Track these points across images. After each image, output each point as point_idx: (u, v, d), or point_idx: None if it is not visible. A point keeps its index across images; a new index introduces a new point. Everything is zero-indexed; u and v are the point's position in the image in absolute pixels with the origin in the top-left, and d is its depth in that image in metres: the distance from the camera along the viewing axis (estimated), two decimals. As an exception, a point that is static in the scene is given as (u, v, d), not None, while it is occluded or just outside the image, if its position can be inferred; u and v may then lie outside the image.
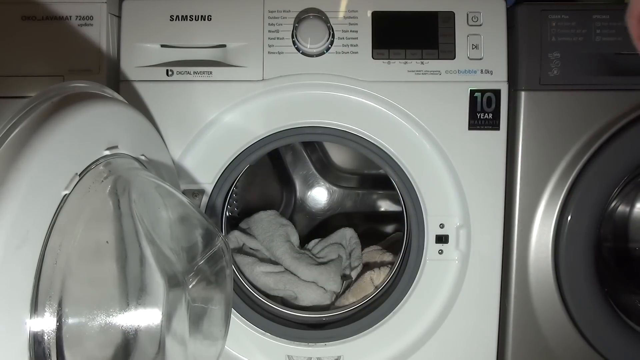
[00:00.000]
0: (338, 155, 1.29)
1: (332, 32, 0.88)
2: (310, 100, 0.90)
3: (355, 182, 1.29)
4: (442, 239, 0.92)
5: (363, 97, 0.89)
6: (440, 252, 0.92)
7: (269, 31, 0.89)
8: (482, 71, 0.89)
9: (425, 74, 0.89)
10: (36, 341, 0.50)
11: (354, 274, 1.05)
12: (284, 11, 0.89)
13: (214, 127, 0.90)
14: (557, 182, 0.89)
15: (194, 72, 0.89)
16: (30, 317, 0.50)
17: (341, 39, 0.89)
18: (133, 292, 0.62)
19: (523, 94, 0.88)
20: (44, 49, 0.88)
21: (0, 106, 0.85)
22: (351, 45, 0.89)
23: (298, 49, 0.88)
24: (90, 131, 0.60)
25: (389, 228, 1.27)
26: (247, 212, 1.20)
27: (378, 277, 1.00)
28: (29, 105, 0.54)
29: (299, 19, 0.87)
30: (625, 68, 0.87)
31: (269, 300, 1.00)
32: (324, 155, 1.28)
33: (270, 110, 0.90)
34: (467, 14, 0.88)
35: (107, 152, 0.63)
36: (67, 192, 0.54)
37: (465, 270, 0.92)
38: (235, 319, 0.94)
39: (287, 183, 1.27)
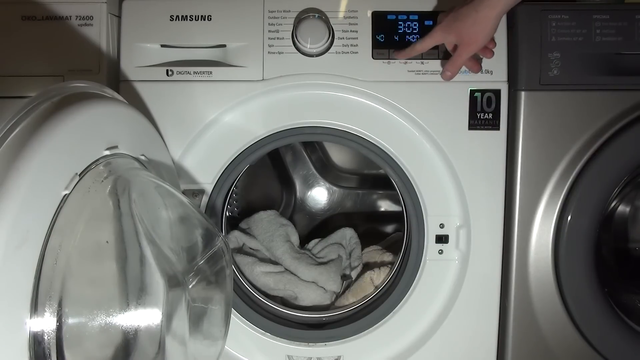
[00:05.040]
0: (338, 155, 1.29)
1: (332, 32, 0.88)
2: (310, 100, 0.90)
3: (355, 182, 1.29)
4: (442, 239, 0.92)
5: (363, 97, 0.89)
6: (440, 252, 0.92)
7: (269, 31, 0.89)
8: (482, 71, 0.88)
9: (425, 74, 0.89)
10: (36, 341, 0.50)
11: (354, 274, 1.05)
12: (284, 11, 0.89)
13: (214, 127, 0.90)
14: (557, 182, 0.89)
15: (194, 72, 0.89)
16: (30, 317, 0.50)
17: (341, 39, 0.89)
18: (133, 292, 0.62)
19: (523, 94, 0.88)
20: (44, 49, 0.88)
21: (0, 106, 0.85)
22: (351, 45, 0.89)
23: (298, 49, 0.88)
24: (90, 131, 0.60)
25: (389, 228, 1.27)
26: (247, 212, 1.20)
27: (378, 277, 1.00)
28: (29, 105, 0.54)
29: (299, 19, 0.87)
30: (625, 68, 0.87)
31: (269, 300, 1.00)
32: (324, 155, 1.28)
33: (270, 110, 0.90)
34: (467, 14, 0.88)
35: (107, 152, 0.63)
36: (67, 192, 0.54)
37: (465, 270, 0.92)
38: (235, 319, 0.94)
39: (287, 183, 1.27)
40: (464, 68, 0.87)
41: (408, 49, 0.86)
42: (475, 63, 0.85)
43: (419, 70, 0.88)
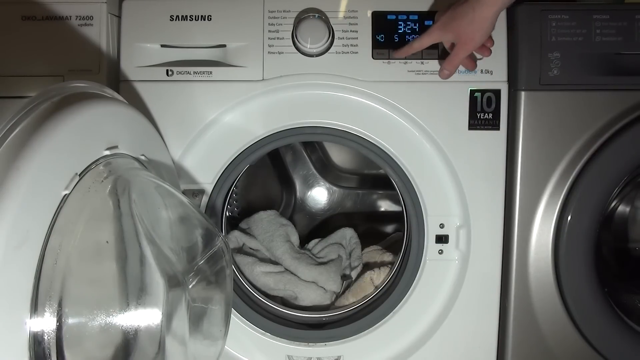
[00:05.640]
0: (338, 155, 1.29)
1: (332, 32, 0.88)
2: (310, 100, 0.90)
3: (355, 182, 1.29)
4: (442, 239, 0.92)
5: (363, 97, 0.89)
6: (440, 252, 0.92)
7: (269, 31, 0.89)
8: (482, 71, 0.89)
9: (425, 74, 0.89)
10: (36, 341, 0.50)
11: (354, 274, 1.05)
12: (284, 11, 0.89)
13: (214, 127, 0.90)
14: (557, 182, 0.89)
15: (194, 72, 0.89)
16: (30, 317, 0.50)
17: (341, 39, 0.89)
18: (133, 292, 0.62)
19: (523, 94, 0.88)
20: (44, 49, 0.88)
21: (0, 106, 0.85)
22: (351, 45, 0.89)
23: (298, 49, 0.88)
24: (90, 131, 0.60)
25: (389, 228, 1.27)
26: (247, 212, 1.20)
27: (378, 277, 1.00)
28: (29, 105, 0.54)
29: (299, 19, 0.87)
30: (625, 68, 0.87)
31: (269, 300, 1.00)
32: (324, 155, 1.28)
33: (270, 110, 0.90)
34: (467, 14, 0.88)
35: (107, 152, 0.63)
36: (67, 192, 0.54)
37: (465, 270, 0.92)
38: (235, 319, 0.94)
39: (287, 183, 1.27)
40: (462, 67, 0.87)
41: (406, 47, 0.86)
42: (471, 61, 0.86)
43: (419, 70, 0.89)
